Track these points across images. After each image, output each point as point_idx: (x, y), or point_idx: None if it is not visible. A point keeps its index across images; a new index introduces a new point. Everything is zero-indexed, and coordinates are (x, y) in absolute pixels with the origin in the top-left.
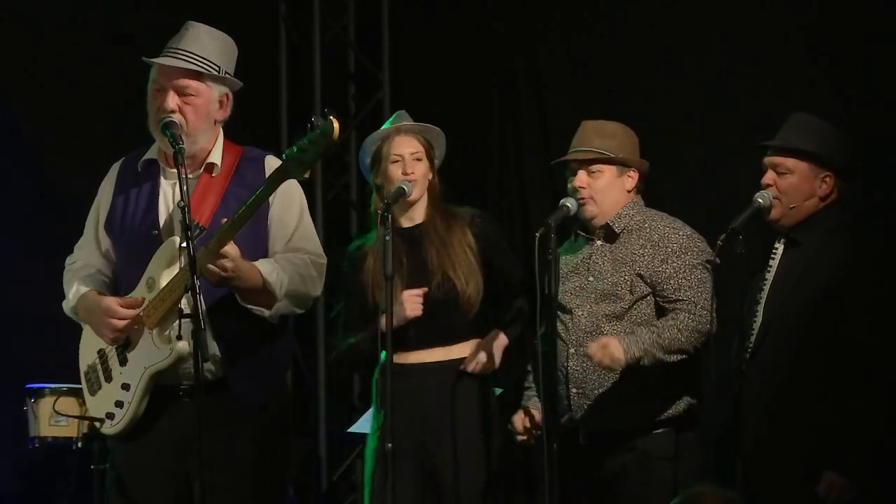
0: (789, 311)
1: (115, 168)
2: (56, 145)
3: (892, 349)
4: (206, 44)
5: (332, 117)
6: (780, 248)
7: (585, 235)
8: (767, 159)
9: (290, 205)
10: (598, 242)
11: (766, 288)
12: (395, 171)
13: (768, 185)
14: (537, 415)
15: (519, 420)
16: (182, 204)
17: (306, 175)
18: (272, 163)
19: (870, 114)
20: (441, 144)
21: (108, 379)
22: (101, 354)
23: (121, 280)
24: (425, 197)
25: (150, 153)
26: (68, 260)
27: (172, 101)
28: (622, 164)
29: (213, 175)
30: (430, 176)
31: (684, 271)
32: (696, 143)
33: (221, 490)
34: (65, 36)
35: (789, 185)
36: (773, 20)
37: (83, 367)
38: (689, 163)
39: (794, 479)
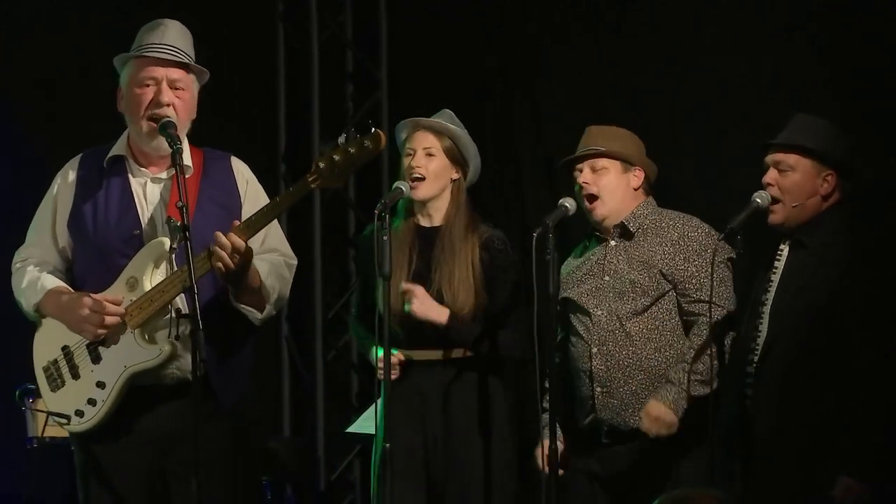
0: (797, 315)
1: (73, 163)
2: (55, 147)
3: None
4: (183, 39)
5: (378, 129)
6: (785, 249)
7: (599, 235)
8: (769, 157)
9: (261, 204)
10: (613, 242)
11: (772, 290)
12: (406, 163)
13: (769, 185)
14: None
15: (539, 456)
16: (181, 204)
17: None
18: (237, 163)
19: (870, 114)
20: (467, 148)
21: (76, 376)
22: (67, 351)
23: (85, 278)
24: (447, 198)
25: (117, 149)
26: (17, 257)
27: (168, 94)
28: (626, 160)
29: (186, 176)
30: (455, 176)
31: (706, 270)
32: (696, 143)
33: (202, 488)
34: (61, 36)
35: (791, 182)
36: (773, 20)
37: (41, 363)
38: (688, 163)
39: (803, 481)
